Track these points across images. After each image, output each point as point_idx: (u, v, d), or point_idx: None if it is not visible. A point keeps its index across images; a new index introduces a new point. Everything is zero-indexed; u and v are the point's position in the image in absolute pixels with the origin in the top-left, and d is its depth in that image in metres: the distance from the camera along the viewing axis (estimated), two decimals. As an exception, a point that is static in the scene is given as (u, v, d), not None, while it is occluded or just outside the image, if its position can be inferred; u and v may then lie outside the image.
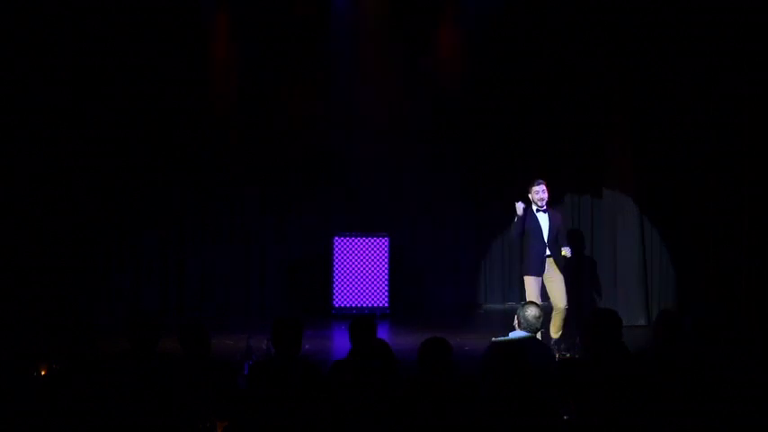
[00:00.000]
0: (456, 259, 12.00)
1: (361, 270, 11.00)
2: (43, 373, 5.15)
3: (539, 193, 8.54)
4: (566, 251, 8.45)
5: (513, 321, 5.45)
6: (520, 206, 8.45)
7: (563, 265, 8.49)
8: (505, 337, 5.39)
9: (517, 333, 5.38)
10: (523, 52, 11.38)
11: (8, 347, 4.71)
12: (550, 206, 8.71)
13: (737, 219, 9.35)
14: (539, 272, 8.37)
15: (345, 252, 11.00)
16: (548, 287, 8.46)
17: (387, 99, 11.63)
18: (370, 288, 11.00)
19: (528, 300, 7.51)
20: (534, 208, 8.54)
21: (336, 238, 11.07)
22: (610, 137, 10.69)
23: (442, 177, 11.81)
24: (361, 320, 5.18)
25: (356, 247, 11.02)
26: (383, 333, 8.98)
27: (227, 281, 11.48)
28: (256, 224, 11.62)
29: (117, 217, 11.06)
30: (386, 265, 11.04)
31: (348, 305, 10.91)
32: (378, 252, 11.04)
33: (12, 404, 4.28)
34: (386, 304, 11.01)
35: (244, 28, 11.41)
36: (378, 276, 11.01)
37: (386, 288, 11.02)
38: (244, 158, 11.52)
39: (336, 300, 10.97)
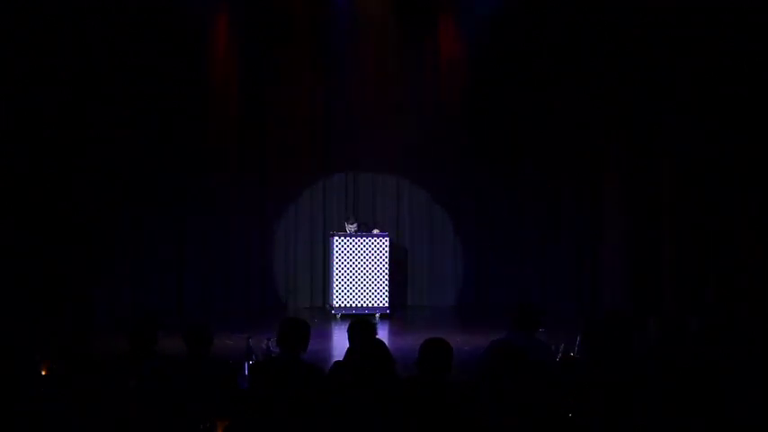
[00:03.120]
0: (455, 259, 12.00)
1: (361, 270, 10.87)
2: (43, 373, 5.14)
3: (350, 227, 11.07)
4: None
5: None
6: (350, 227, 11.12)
7: None
8: (505, 338, 5.38)
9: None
10: (524, 52, 11.38)
11: (8, 347, 4.71)
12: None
13: (738, 218, 9.35)
14: None
15: (345, 252, 10.88)
16: None
17: (387, 98, 11.63)
18: (369, 288, 10.87)
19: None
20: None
21: (335, 237, 10.97)
22: (609, 136, 10.69)
23: (441, 177, 11.83)
24: (360, 321, 5.22)
25: (356, 246, 10.92)
26: (383, 335, 8.96)
27: (228, 281, 11.47)
28: (256, 223, 11.62)
29: (116, 217, 11.05)
30: (386, 265, 10.91)
31: (347, 305, 10.78)
32: (378, 252, 10.94)
33: (12, 404, 4.28)
34: (386, 305, 10.88)
35: (244, 28, 11.41)
36: (378, 276, 10.89)
37: (386, 288, 10.89)
38: (243, 157, 11.53)
39: (336, 300, 10.85)
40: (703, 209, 9.78)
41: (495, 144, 11.72)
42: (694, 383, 4.38)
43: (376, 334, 5.18)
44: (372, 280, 10.88)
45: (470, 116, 11.64)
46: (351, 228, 11.17)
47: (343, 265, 10.87)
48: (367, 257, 10.90)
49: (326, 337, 9.63)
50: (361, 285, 10.88)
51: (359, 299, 10.86)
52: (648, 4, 9.95)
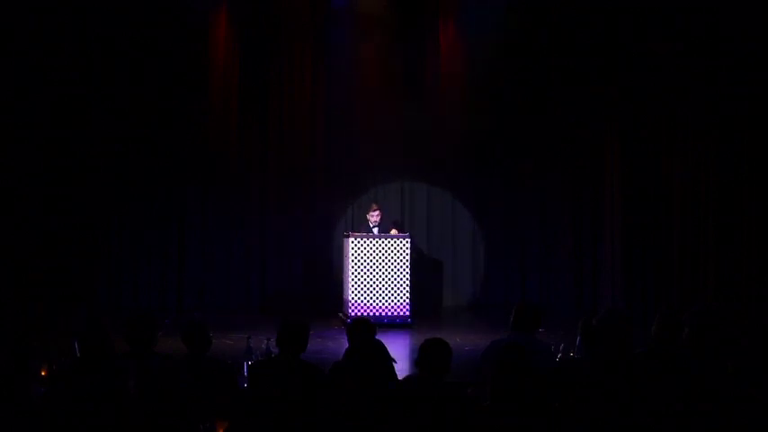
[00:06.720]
0: (455, 259, 12.00)
1: (379, 274, 9.76)
2: (43, 373, 5.14)
3: (373, 216, 10.31)
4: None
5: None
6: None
7: None
8: (505, 338, 5.38)
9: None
10: (523, 53, 11.39)
11: (8, 348, 4.71)
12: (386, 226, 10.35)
13: (738, 218, 9.35)
14: None
15: (361, 254, 9.77)
16: None
17: (387, 97, 11.63)
18: (388, 295, 9.77)
19: None
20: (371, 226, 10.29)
21: (350, 237, 10.00)
22: (608, 136, 10.70)
23: (441, 176, 11.83)
24: (360, 321, 5.24)
25: (373, 248, 9.80)
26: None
27: (228, 281, 11.47)
28: (256, 223, 11.61)
29: (117, 217, 11.07)
30: (407, 269, 9.82)
31: (362, 315, 9.46)
32: (398, 254, 9.84)
33: (12, 404, 4.28)
34: (407, 314, 9.76)
35: (244, 28, 11.42)
36: (398, 281, 9.78)
37: (407, 295, 9.77)
38: (244, 157, 11.54)
39: (351, 309, 9.76)
40: (703, 208, 9.77)
41: (495, 144, 11.72)
42: (694, 383, 4.38)
43: (376, 334, 5.18)
44: (391, 286, 9.75)
45: (470, 116, 11.63)
46: (374, 218, 10.27)
47: (358, 269, 9.76)
48: (386, 260, 9.79)
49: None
50: (379, 292, 9.75)
51: (375, 308, 9.72)
52: (648, 4, 9.95)
